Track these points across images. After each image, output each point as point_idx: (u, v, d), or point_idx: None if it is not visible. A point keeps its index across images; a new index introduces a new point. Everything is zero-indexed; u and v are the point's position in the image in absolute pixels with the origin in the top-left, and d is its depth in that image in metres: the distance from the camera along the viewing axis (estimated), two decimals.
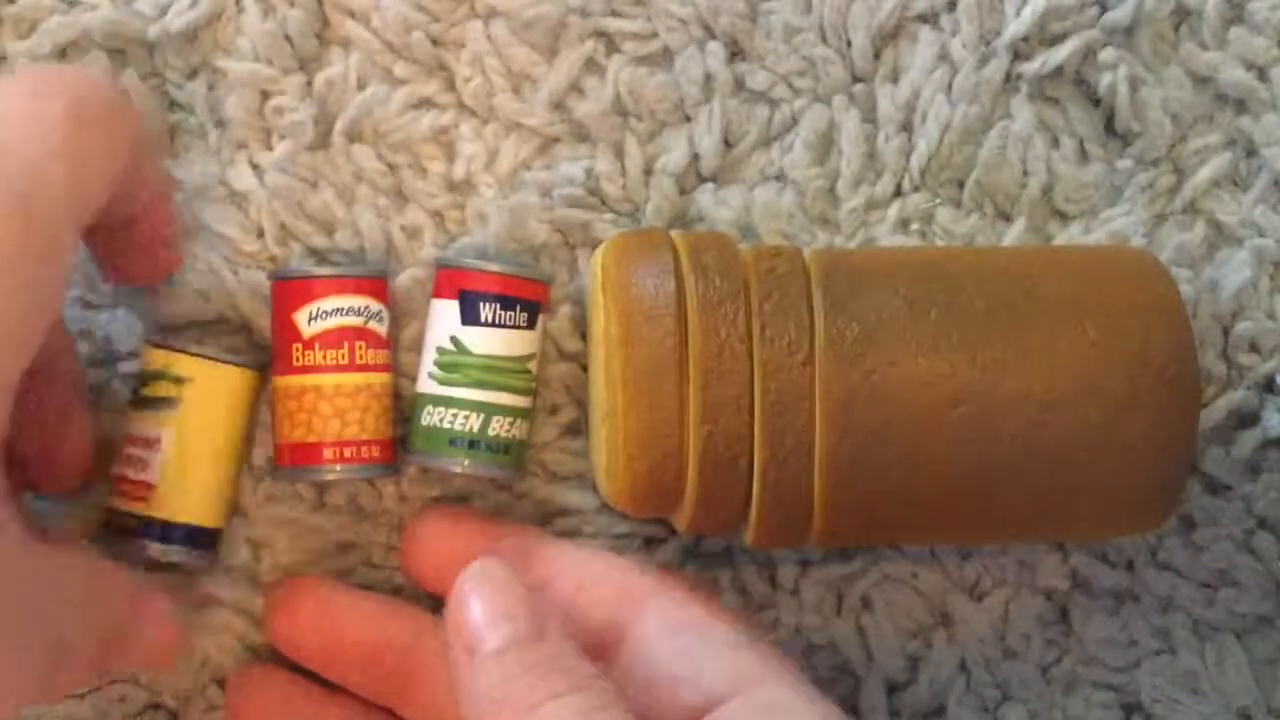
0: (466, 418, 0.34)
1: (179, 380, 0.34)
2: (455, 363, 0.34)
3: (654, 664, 0.32)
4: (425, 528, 0.36)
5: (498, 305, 0.35)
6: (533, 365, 0.35)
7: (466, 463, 0.35)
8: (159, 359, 0.34)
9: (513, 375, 0.35)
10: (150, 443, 0.34)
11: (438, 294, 0.35)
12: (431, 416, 0.35)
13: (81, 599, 0.29)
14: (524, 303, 0.35)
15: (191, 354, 0.34)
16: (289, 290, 0.35)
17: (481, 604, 0.29)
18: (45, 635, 0.27)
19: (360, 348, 0.35)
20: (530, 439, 0.37)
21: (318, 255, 0.37)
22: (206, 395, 0.34)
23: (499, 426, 0.35)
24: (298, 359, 0.34)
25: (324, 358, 0.34)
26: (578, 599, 0.34)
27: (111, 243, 0.33)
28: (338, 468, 0.34)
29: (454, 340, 0.35)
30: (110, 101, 0.29)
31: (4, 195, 0.26)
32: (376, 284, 0.35)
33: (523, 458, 0.36)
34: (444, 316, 0.35)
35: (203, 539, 0.35)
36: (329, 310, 0.34)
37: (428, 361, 0.35)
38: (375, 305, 0.35)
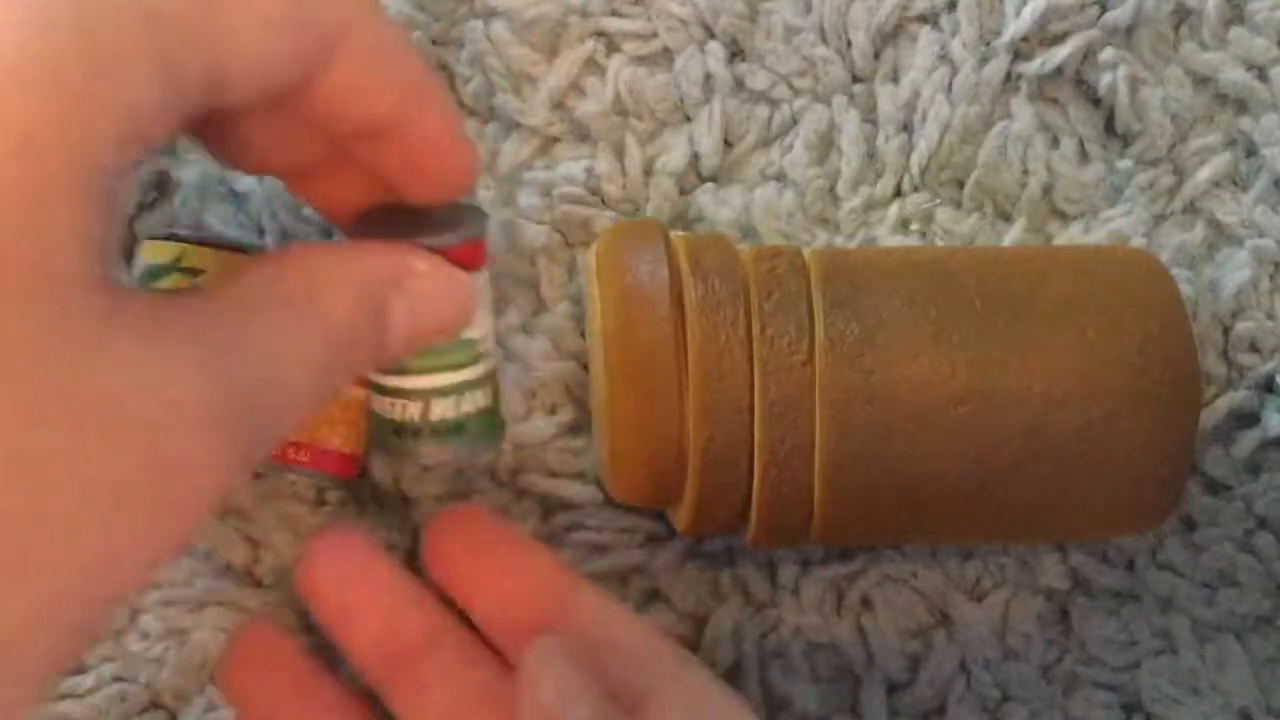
0: (405, 406, 0.32)
1: None
2: None
3: None
4: (445, 528, 0.36)
5: None
6: (475, 332, 0.32)
7: (430, 449, 0.32)
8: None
9: (448, 352, 0.31)
10: None
11: None
12: (378, 405, 0.32)
13: (283, 323, 0.26)
14: None
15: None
16: None
17: (561, 679, 0.31)
18: (213, 398, 0.23)
19: None
20: (495, 403, 0.33)
21: None
22: None
23: (443, 408, 0.32)
24: None
25: None
26: (597, 651, 0.34)
27: (378, 155, 0.29)
28: (295, 468, 0.34)
29: None
30: None
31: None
32: None
33: (489, 429, 0.33)
34: None
35: None
36: None
37: None
38: None
